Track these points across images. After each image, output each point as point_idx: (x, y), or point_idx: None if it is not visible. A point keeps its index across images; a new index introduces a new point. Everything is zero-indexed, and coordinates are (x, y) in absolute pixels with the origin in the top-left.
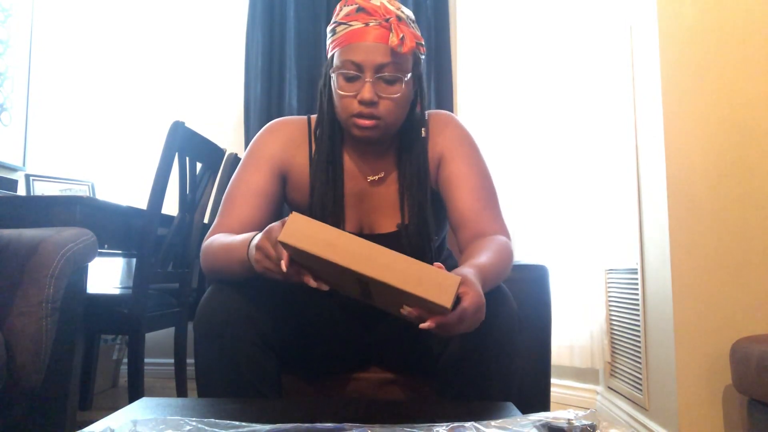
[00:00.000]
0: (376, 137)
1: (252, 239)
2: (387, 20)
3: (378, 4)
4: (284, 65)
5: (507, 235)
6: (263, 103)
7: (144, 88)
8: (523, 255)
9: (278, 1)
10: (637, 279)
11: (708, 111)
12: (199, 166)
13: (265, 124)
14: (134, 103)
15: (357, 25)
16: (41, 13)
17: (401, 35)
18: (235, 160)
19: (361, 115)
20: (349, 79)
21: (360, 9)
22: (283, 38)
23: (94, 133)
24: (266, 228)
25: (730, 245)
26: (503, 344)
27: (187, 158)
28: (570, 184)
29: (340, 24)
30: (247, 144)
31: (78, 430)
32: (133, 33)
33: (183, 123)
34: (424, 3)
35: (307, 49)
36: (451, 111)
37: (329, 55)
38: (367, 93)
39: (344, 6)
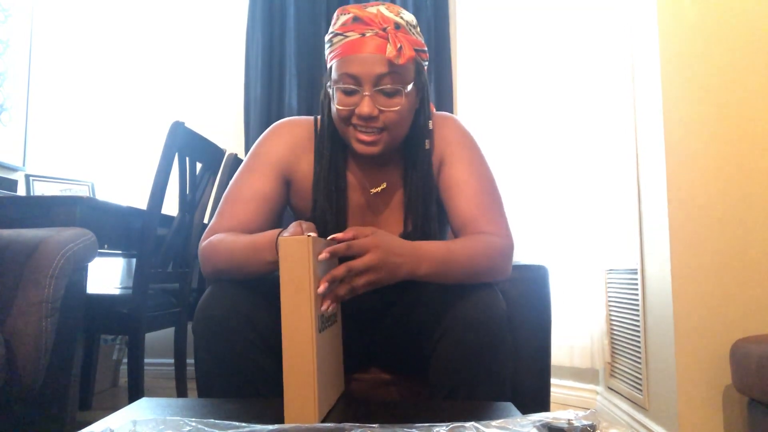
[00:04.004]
0: (379, 152)
1: (279, 234)
2: (384, 29)
3: (374, 11)
4: (284, 65)
5: (505, 236)
6: (263, 103)
7: (144, 89)
8: (523, 255)
9: (278, 1)
10: (637, 279)
11: (708, 111)
12: (199, 166)
13: (265, 124)
14: (134, 103)
15: (353, 36)
16: (41, 13)
17: (399, 45)
18: (235, 160)
19: (362, 130)
20: (348, 93)
21: (356, 19)
22: (283, 38)
23: (94, 133)
24: (295, 223)
25: (730, 245)
26: (491, 343)
27: (187, 158)
28: (570, 184)
29: (336, 35)
30: (247, 144)
31: (78, 430)
32: (133, 33)
33: (183, 123)
34: (424, 2)
35: (307, 49)
36: (451, 111)
37: (328, 67)
38: (366, 107)
39: (341, 15)
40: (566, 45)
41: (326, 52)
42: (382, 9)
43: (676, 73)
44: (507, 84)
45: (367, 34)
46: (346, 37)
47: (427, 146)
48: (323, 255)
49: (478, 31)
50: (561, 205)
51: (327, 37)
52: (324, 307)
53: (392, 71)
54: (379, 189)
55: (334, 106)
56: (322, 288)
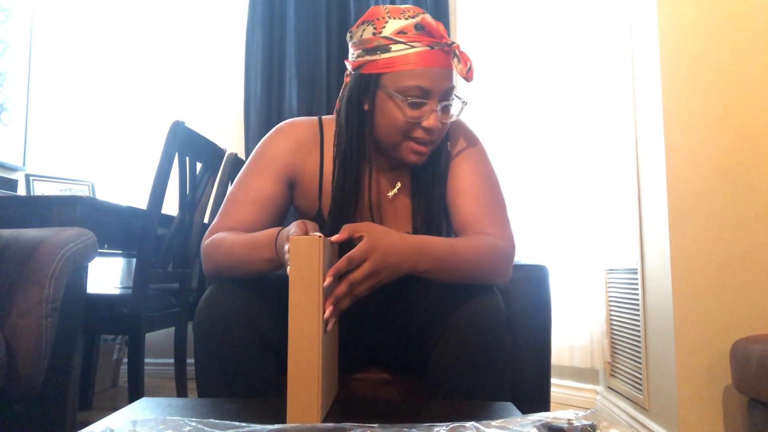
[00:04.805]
0: (424, 161)
1: (279, 233)
2: (449, 45)
3: (434, 22)
4: (284, 65)
5: (507, 240)
6: (263, 103)
7: (144, 88)
8: (523, 255)
9: (278, 1)
10: (637, 279)
11: (708, 111)
12: (199, 166)
13: (265, 124)
14: (134, 103)
15: (419, 47)
16: (41, 13)
17: (468, 63)
18: (235, 159)
19: (420, 141)
20: (416, 106)
21: (420, 27)
22: (283, 38)
23: (94, 133)
24: (298, 222)
25: (729, 245)
26: (490, 344)
27: (187, 158)
28: (570, 184)
29: (397, 42)
30: (247, 144)
31: (78, 430)
32: (133, 33)
33: (183, 123)
34: (424, 2)
35: (307, 49)
36: None
37: (377, 73)
38: (434, 121)
39: (391, 18)
40: (566, 45)
41: (372, 56)
42: (428, 17)
43: (676, 73)
44: (507, 84)
45: (435, 48)
46: (412, 47)
47: (449, 148)
48: (327, 281)
49: (477, 31)
50: (561, 205)
51: (375, 41)
52: (329, 327)
53: (452, 86)
54: (395, 190)
55: (399, 117)
56: (328, 313)
